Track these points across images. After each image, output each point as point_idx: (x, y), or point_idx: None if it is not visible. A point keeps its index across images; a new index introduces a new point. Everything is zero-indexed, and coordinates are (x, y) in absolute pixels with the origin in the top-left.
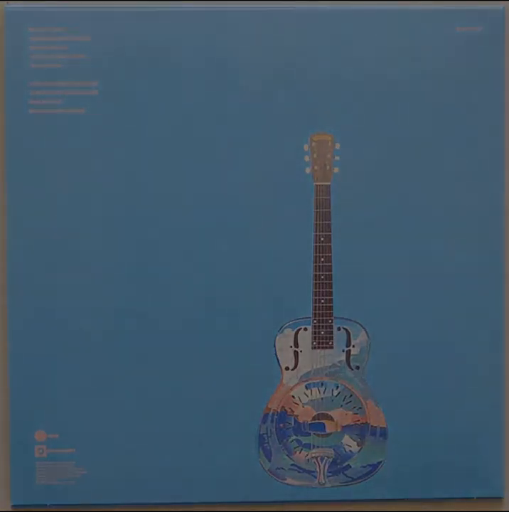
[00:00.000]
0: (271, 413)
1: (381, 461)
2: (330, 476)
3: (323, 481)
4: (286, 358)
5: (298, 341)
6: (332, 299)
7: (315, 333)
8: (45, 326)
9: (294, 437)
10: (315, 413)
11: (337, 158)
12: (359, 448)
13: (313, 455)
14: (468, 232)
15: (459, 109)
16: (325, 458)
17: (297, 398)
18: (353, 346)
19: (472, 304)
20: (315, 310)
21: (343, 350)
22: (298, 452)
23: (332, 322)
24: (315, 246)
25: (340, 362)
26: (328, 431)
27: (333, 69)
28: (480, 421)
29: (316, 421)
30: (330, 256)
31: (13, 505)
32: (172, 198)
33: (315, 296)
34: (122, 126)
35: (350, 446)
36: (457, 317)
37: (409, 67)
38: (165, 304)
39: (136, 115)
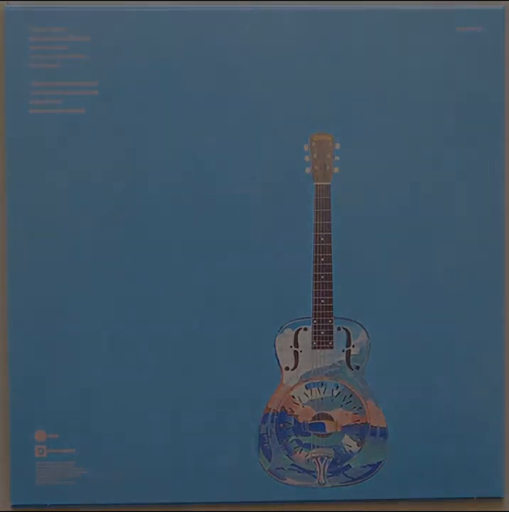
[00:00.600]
0: (271, 413)
1: (381, 461)
2: (330, 476)
3: (323, 481)
4: (286, 358)
5: (298, 341)
6: (332, 299)
7: (315, 333)
8: (45, 326)
9: (294, 437)
10: (315, 413)
11: (337, 158)
12: (359, 448)
13: (313, 455)
14: (468, 233)
15: (459, 109)
16: (325, 458)
17: (297, 398)
18: (353, 346)
19: (472, 303)
20: (315, 310)
21: (343, 350)
22: (298, 452)
23: (332, 322)
24: (315, 246)
25: (340, 362)
26: (328, 431)
27: (333, 69)
28: (480, 421)
29: (316, 421)
30: (330, 256)
31: (13, 505)
32: (172, 197)
33: (315, 296)
34: (122, 126)
35: (350, 446)
36: (457, 317)
37: (409, 67)
38: (165, 303)
39: (136, 115)
